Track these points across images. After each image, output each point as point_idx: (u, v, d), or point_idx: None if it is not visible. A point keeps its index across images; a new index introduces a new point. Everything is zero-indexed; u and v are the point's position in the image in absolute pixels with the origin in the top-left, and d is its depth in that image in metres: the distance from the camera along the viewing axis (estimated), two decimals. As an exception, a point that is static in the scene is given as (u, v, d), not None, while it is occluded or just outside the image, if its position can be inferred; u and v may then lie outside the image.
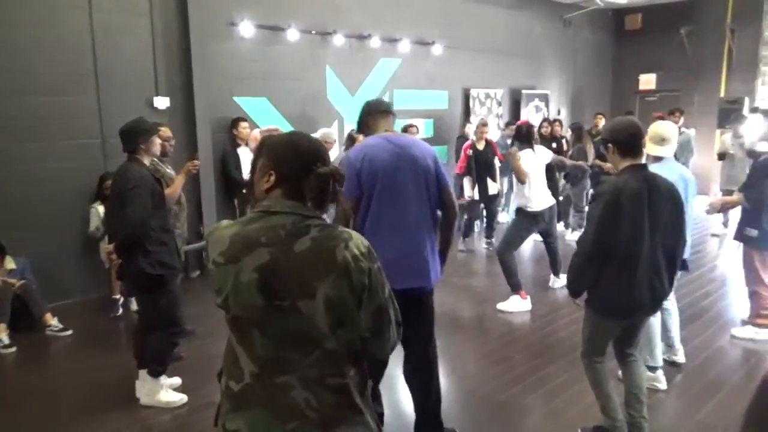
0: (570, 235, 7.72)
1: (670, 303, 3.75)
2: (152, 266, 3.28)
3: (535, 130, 8.41)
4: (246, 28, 6.36)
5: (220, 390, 1.56)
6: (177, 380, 3.74)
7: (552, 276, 5.78)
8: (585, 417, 3.25)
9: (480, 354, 4.34)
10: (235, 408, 1.49)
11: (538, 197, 5.22)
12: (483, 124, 7.25)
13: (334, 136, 6.76)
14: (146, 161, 3.42)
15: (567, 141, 8.50)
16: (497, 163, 7.30)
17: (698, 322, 4.73)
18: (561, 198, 8.30)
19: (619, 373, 3.44)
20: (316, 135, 5.52)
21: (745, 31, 10.50)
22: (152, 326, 3.45)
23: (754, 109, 8.70)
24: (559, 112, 11.01)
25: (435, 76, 8.57)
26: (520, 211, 5.31)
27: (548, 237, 5.56)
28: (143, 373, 3.51)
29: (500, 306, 5.20)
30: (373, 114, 2.87)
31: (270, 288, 1.41)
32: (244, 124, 6.23)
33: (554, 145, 8.11)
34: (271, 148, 1.54)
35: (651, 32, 11.49)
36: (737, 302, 5.13)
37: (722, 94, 10.69)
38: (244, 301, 1.43)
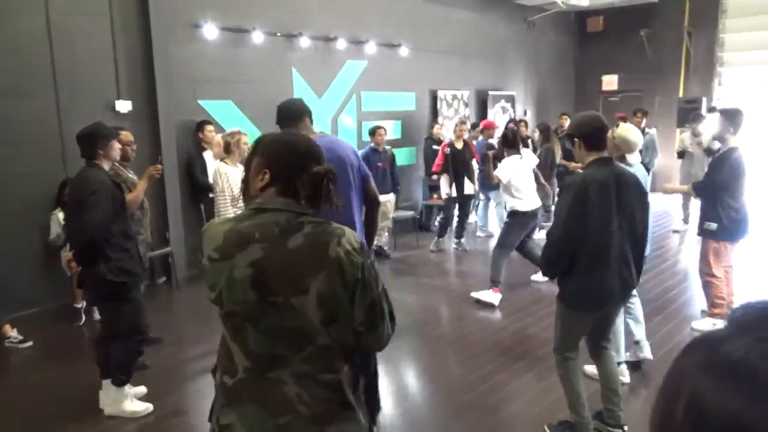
0: (537, 234, 7.81)
1: (635, 299, 3.84)
2: (114, 273, 3.21)
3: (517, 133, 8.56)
4: (210, 30, 6.28)
5: (214, 385, 1.58)
6: (142, 389, 3.67)
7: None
8: (552, 412, 3.29)
9: (449, 353, 4.36)
10: (228, 402, 1.51)
11: (530, 198, 5.38)
12: (461, 122, 7.30)
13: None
14: (105, 166, 3.34)
15: (533, 141, 8.63)
16: (474, 164, 7.36)
17: (660, 316, 4.85)
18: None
19: (585, 368, 3.51)
20: None
21: (701, 35, 10.84)
22: (115, 335, 3.38)
23: (711, 109, 8.98)
24: (525, 113, 11.17)
25: (402, 77, 8.61)
26: (514, 213, 5.42)
27: (527, 236, 5.65)
28: (107, 383, 3.43)
29: (474, 294, 5.35)
30: (286, 121, 2.95)
31: (263, 284, 1.43)
32: (209, 128, 6.15)
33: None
34: (265, 146, 1.56)
35: (612, 34, 11.77)
36: (698, 296, 5.26)
37: (681, 94, 11.01)
38: (238, 296, 1.45)
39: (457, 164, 7.09)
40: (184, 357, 4.28)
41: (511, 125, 6.84)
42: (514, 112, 10.69)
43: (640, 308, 3.92)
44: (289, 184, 1.50)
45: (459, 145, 7.17)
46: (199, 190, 6.16)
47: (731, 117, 4.22)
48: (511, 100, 10.71)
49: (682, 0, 10.78)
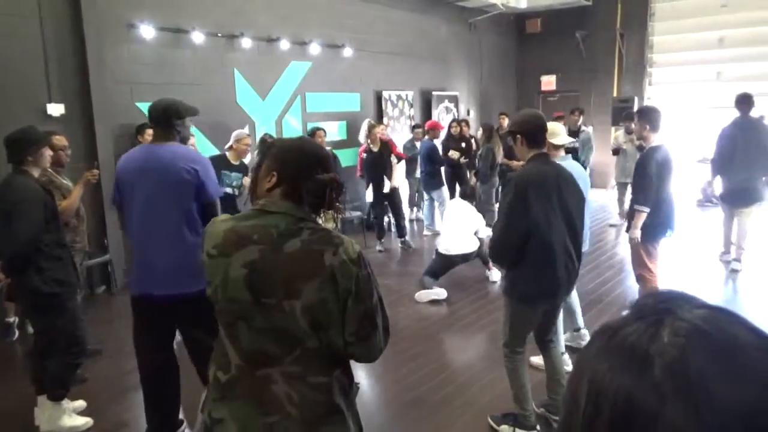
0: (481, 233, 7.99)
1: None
2: (47, 284, 3.08)
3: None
4: (146, 31, 6.10)
5: (207, 379, 1.62)
6: (81, 403, 3.54)
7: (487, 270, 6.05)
8: (496, 405, 3.39)
9: (396, 352, 4.41)
10: (221, 397, 1.54)
11: (458, 242, 5.59)
12: (371, 127, 7.29)
13: (249, 140, 6.38)
14: (35, 173, 3.21)
15: (476, 141, 8.82)
16: (394, 160, 7.41)
17: (598, 307, 5.07)
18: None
19: (531, 359, 3.63)
20: (232, 137, 5.38)
21: (632, 37, 11.34)
22: (51, 348, 3.24)
23: (639, 109, 9.37)
24: (468, 113, 11.38)
25: (346, 78, 8.61)
26: (438, 253, 5.68)
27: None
28: (42, 399, 3.29)
29: (418, 296, 5.48)
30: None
31: (257, 284, 1.46)
32: (149, 131, 5.95)
33: (463, 144, 8.40)
34: (278, 150, 1.60)
35: (550, 36, 12.14)
36: (634, 286, 5.51)
37: (615, 93, 11.47)
38: (233, 294, 1.48)
39: (375, 167, 7.17)
40: (125, 368, 4.15)
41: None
42: (457, 112, 10.88)
43: (577, 297, 4.07)
44: (294, 187, 1.53)
45: (375, 148, 7.20)
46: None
47: (646, 115, 4.27)
48: (454, 100, 10.90)
49: (614, 3, 11.24)
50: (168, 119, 2.81)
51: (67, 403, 3.36)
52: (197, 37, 6.58)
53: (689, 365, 0.47)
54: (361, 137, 7.54)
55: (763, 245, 6.88)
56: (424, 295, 5.42)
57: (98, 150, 5.70)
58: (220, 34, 6.86)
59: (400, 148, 8.00)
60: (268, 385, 1.48)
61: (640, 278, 4.59)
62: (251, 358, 1.50)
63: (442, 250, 5.63)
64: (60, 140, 4.18)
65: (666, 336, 0.50)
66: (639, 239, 4.30)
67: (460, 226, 5.66)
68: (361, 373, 4.11)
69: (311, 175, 1.53)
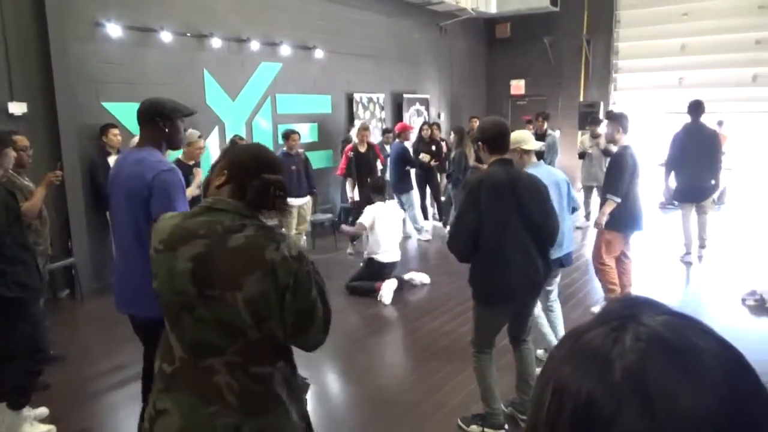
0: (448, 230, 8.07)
1: (556, 303, 4.05)
2: (9, 288, 3.00)
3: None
4: (113, 29, 5.99)
5: (154, 371, 1.65)
6: (44, 410, 3.44)
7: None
8: (467, 405, 3.43)
9: (368, 354, 4.42)
10: (165, 389, 1.59)
11: (390, 250, 5.71)
12: (364, 128, 7.42)
13: (202, 143, 5.41)
14: (-3, 174, 3.12)
15: (447, 144, 8.89)
16: (379, 165, 7.48)
17: (565, 307, 5.16)
18: (443, 198, 8.69)
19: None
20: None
21: (598, 43, 11.60)
22: (11, 354, 3.14)
23: (608, 113, 9.63)
24: (439, 116, 11.47)
25: (317, 80, 8.59)
26: (370, 261, 5.76)
27: None
28: (2, 407, 3.18)
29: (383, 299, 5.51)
30: None
31: (201, 277, 1.52)
32: (114, 131, 5.86)
33: (434, 147, 8.46)
34: (233, 151, 1.72)
35: (519, 41, 12.33)
36: (599, 288, 5.65)
37: (582, 98, 11.71)
38: (178, 287, 1.55)
39: (361, 168, 7.22)
40: (89, 373, 4.06)
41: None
42: (428, 115, 10.96)
43: (561, 316, 4.10)
44: (241, 186, 1.60)
45: (362, 149, 7.30)
46: (104, 197, 5.85)
47: (618, 119, 4.62)
48: (425, 103, 10.97)
49: (581, 10, 11.48)
50: (151, 119, 2.57)
51: (28, 411, 3.27)
52: (166, 36, 6.48)
53: (647, 370, 0.49)
54: (353, 134, 7.68)
55: (722, 249, 7.12)
56: (387, 293, 5.48)
57: (62, 150, 5.56)
58: (189, 34, 6.78)
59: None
60: (210, 376, 1.53)
61: (598, 271, 4.80)
62: (194, 349, 1.56)
63: (381, 258, 5.69)
64: (22, 140, 4.07)
65: (628, 341, 0.51)
66: (603, 226, 4.57)
67: (395, 232, 5.78)
68: (331, 375, 4.11)
69: (257, 176, 1.60)
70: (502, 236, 2.83)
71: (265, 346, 1.57)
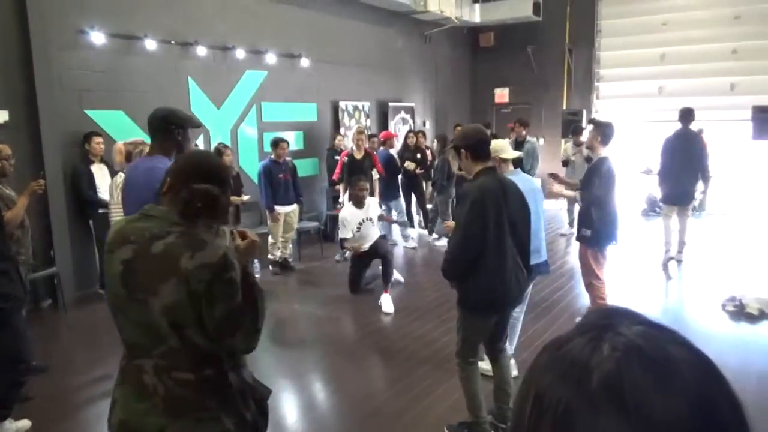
0: (438, 242, 8.10)
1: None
2: (-10, 299, 2.96)
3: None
4: (97, 37, 5.95)
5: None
6: (26, 423, 3.39)
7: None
8: (452, 413, 3.44)
9: (354, 362, 4.42)
10: (119, 381, 1.70)
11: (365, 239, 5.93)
12: (359, 132, 7.32)
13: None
14: (-21, 183, 3.08)
15: (432, 152, 8.94)
16: (375, 174, 7.43)
17: (550, 314, 5.21)
18: (429, 206, 8.73)
19: (481, 365, 3.68)
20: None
21: (580, 52, 11.76)
22: (-7, 366, 3.11)
23: (591, 121, 9.76)
24: (424, 124, 11.53)
25: (303, 88, 8.60)
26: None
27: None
28: (-17, 419, 3.15)
29: (385, 308, 5.49)
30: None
31: (128, 281, 1.60)
32: (98, 139, 5.81)
33: (419, 155, 8.50)
34: (179, 159, 1.79)
35: (503, 50, 12.46)
36: (584, 293, 5.69)
37: (565, 106, 11.85)
38: (113, 288, 1.64)
39: (355, 174, 7.16)
40: (72, 385, 4.01)
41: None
42: (413, 123, 11.01)
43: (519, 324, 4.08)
44: (176, 194, 1.65)
45: (358, 155, 7.21)
46: (87, 206, 5.81)
47: (600, 128, 4.60)
48: (410, 111, 11.03)
49: (563, 20, 11.64)
50: (166, 127, 2.68)
51: (9, 423, 3.23)
52: (150, 44, 6.45)
53: (623, 378, 0.51)
54: (349, 140, 7.67)
55: (702, 255, 7.24)
56: (386, 301, 5.49)
57: (44, 159, 5.50)
58: (173, 42, 6.76)
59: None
60: (140, 374, 1.61)
61: (589, 287, 4.77)
62: (128, 347, 1.68)
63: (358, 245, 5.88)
64: (3, 149, 4.03)
65: (605, 350, 0.53)
66: (559, 192, 5.00)
67: (361, 225, 5.94)
68: (319, 382, 4.10)
69: (188, 185, 1.64)
70: (501, 245, 2.84)
71: (188, 352, 1.60)
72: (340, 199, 7.40)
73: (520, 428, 0.56)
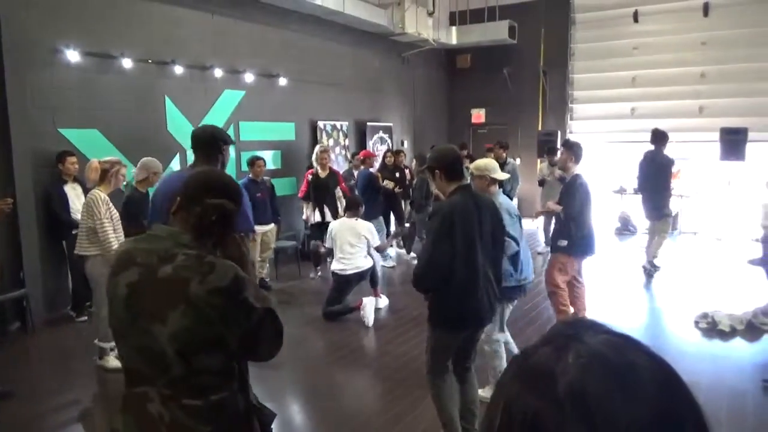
0: (416, 261, 8.09)
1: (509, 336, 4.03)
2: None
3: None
4: (71, 55, 5.88)
5: None
6: (-10, 450, 3.28)
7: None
8: (436, 429, 3.40)
9: (333, 381, 4.37)
10: (121, 408, 1.61)
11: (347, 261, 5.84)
12: (323, 151, 7.34)
13: (157, 167, 5.39)
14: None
15: (410, 171, 8.99)
16: (339, 193, 7.45)
17: (529, 330, 5.23)
18: (407, 224, 8.74)
19: (480, 393, 3.65)
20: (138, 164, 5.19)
21: (555, 74, 12.01)
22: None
23: (565, 142, 9.93)
24: (402, 143, 11.61)
25: (281, 108, 8.61)
26: (333, 274, 5.96)
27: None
28: (-55, 448, 3.03)
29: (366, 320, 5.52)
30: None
31: (133, 305, 1.52)
32: (71, 159, 5.72)
33: (398, 174, 8.54)
34: (188, 177, 1.69)
35: (479, 71, 12.66)
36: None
37: (540, 127, 12.06)
38: (117, 312, 1.56)
39: (319, 191, 7.21)
40: (39, 410, 3.88)
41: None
42: (392, 142, 11.08)
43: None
44: (188, 212, 1.59)
45: (323, 174, 7.26)
46: (59, 227, 5.68)
47: (571, 148, 4.86)
48: (388, 131, 11.10)
49: (538, 43, 11.89)
50: (216, 143, 2.84)
51: (-27, 451, 3.11)
52: (126, 62, 6.41)
53: (588, 384, 0.52)
54: (313, 159, 7.64)
55: (675, 273, 7.37)
56: (369, 312, 5.51)
57: (15, 177, 5.40)
58: (150, 61, 6.72)
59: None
60: (144, 403, 1.53)
61: (551, 294, 4.92)
62: (129, 375, 1.59)
63: (337, 270, 5.82)
64: (-27, 167, 3.95)
65: (570, 358, 0.55)
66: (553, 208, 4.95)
67: (351, 244, 5.84)
68: (298, 402, 4.04)
69: (201, 201, 1.58)
70: (472, 262, 2.85)
71: (195, 379, 1.53)
72: (304, 217, 7.59)
73: None
